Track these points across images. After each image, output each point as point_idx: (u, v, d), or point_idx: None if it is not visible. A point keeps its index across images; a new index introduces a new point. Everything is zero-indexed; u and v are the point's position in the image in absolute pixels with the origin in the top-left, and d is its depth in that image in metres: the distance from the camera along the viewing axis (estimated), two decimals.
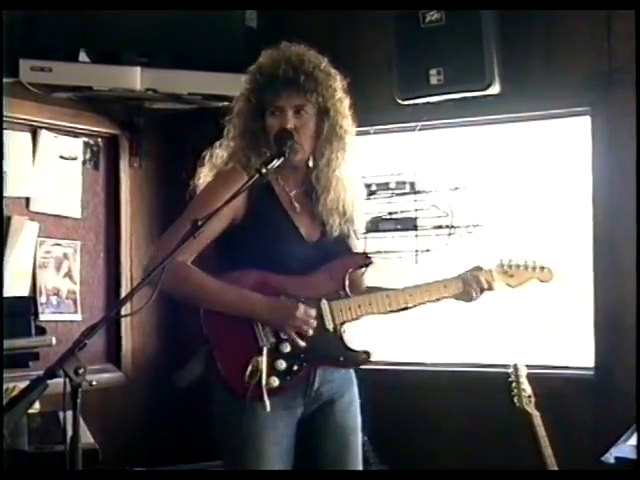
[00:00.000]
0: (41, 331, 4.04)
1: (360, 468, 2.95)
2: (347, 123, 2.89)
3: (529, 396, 3.44)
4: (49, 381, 2.19)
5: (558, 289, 4.24)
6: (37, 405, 3.40)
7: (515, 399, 3.45)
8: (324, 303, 2.77)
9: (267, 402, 2.65)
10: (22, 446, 3.53)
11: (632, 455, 3.19)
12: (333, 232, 2.85)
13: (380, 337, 4.51)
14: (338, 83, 2.85)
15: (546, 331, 4.27)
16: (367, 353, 2.83)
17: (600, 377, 3.95)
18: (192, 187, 2.93)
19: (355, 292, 2.84)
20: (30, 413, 3.51)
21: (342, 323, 2.80)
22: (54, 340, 3.94)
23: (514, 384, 3.46)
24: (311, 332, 2.71)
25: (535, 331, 4.27)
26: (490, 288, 2.95)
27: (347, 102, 2.89)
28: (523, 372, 3.47)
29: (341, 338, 2.80)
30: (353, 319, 2.82)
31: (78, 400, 2.20)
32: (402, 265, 4.44)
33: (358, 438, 2.91)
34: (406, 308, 2.90)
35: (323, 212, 2.85)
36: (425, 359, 4.38)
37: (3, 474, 2.59)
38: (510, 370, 3.49)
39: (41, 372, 2.22)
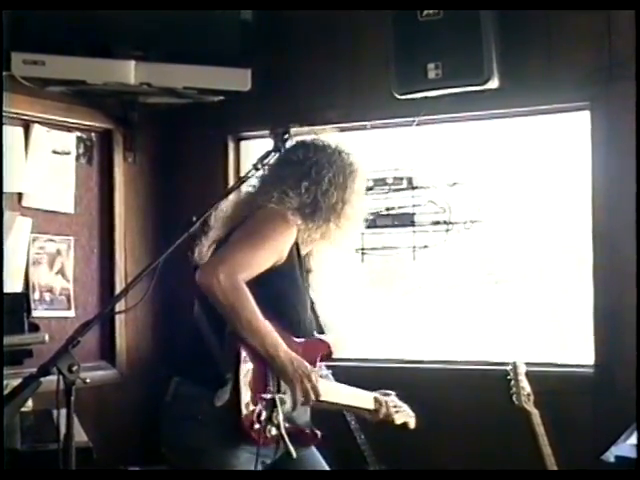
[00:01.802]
0: (34, 328, 4.02)
1: None
2: None
3: (528, 394, 3.41)
4: (42, 379, 2.17)
5: (557, 286, 4.24)
6: (30, 403, 3.39)
7: (514, 397, 3.42)
8: None
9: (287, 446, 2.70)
10: (15, 445, 3.52)
11: (632, 454, 3.17)
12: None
13: (378, 335, 4.51)
14: None
15: (545, 328, 4.25)
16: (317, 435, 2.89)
17: (600, 375, 3.93)
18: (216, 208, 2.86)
19: None
20: (23, 411, 3.49)
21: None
22: (47, 337, 3.92)
23: (513, 382, 3.43)
24: (313, 398, 2.74)
25: (534, 328, 4.26)
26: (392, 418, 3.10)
27: None
28: (522, 370, 3.45)
29: (310, 414, 2.87)
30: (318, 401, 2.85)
31: (72, 398, 2.19)
32: (400, 261, 4.42)
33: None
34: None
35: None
36: (423, 357, 4.36)
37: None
38: (509, 368, 3.46)
39: (34, 369, 2.20)
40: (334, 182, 2.85)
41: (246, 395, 2.64)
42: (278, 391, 2.71)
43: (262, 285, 2.69)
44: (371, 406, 3.05)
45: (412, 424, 3.20)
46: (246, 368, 2.66)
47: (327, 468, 2.95)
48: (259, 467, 2.73)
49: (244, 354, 2.66)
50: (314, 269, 2.99)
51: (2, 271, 3.87)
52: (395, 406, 3.13)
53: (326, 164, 2.86)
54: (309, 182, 2.83)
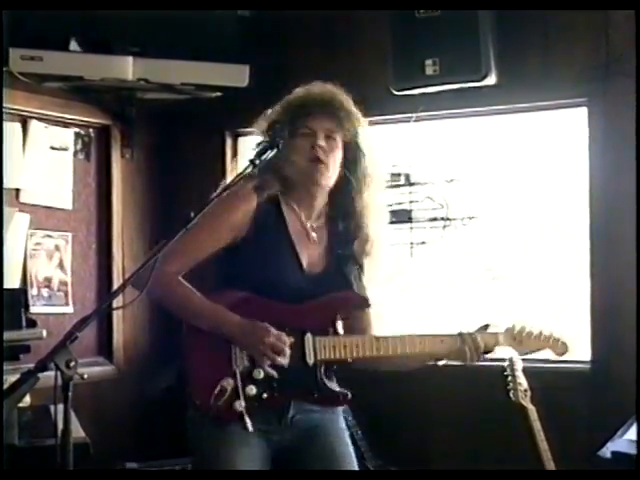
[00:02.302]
0: (32, 323, 4.02)
1: None
2: (371, 158, 2.91)
3: (525, 390, 3.40)
4: (40, 374, 2.17)
5: (555, 282, 4.24)
6: (28, 399, 3.39)
7: (511, 393, 3.40)
8: (308, 337, 2.73)
9: (245, 423, 2.65)
10: (12, 440, 3.52)
11: (629, 450, 3.17)
12: (341, 264, 2.86)
13: (375, 331, 4.49)
14: (362, 122, 2.90)
15: (542, 324, 4.24)
16: (344, 395, 2.80)
17: (596, 371, 3.94)
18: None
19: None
20: (20, 407, 3.49)
21: (326, 361, 2.75)
22: (45, 333, 3.92)
23: (510, 378, 3.41)
24: (283, 361, 2.67)
25: (531, 325, 4.25)
26: (490, 351, 2.92)
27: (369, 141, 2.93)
28: (519, 366, 3.43)
29: (320, 375, 2.75)
30: (338, 359, 2.77)
31: (69, 393, 2.19)
32: (397, 257, 4.42)
33: (352, 465, 2.86)
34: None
35: (339, 240, 2.86)
36: None
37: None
38: (506, 364, 3.45)
39: (32, 365, 2.20)
40: None
41: (198, 375, 2.65)
42: (252, 363, 2.67)
43: (228, 261, 2.71)
44: (446, 349, 2.83)
45: (559, 352, 2.94)
46: (200, 348, 2.67)
47: (351, 449, 2.86)
48: (262, 440, 2.70)
49: (204, 337, 2.66)
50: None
51: (1, 267, 3.87)
52: (518, 336, 2.90)
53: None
54: (273, 151, 2.75)
